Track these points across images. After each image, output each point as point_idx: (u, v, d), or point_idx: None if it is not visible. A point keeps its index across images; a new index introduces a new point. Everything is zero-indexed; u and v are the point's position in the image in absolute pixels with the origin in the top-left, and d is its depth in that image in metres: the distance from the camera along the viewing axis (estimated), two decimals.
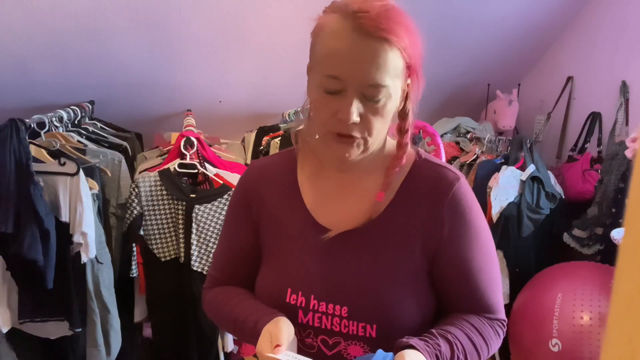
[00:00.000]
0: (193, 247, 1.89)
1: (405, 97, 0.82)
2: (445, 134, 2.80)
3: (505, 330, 0.89)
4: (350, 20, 0.72)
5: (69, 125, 2.05)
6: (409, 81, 0.81)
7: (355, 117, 0.73)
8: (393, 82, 0.75)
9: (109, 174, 1.93)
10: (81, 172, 1.67)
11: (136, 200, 1.87)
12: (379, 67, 0.72)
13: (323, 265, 0.85)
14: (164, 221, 1.91)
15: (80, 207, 1.65)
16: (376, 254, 0.84)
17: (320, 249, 0.85)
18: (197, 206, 1.89)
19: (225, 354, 2.09)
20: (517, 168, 2.33)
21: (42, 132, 1.80)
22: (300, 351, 0.85)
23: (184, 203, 1.90)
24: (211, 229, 1.92)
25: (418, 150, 0.90)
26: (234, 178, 1.97)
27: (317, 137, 0.88)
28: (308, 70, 0.82)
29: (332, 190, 0.89)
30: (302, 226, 0.88)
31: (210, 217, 1.91)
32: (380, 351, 0.71)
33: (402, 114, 0.84)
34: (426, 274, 0.85)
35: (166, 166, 1.95)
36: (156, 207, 1.89)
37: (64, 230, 1.64)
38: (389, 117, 0.79)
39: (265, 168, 0.96)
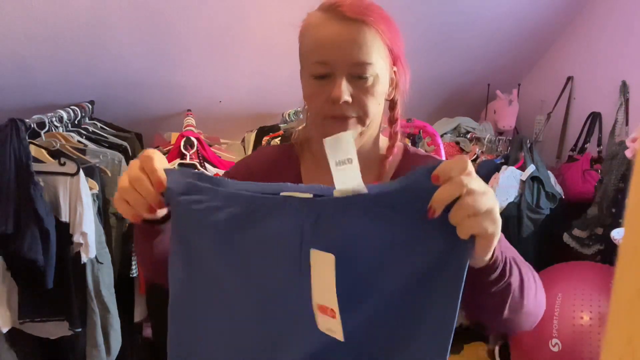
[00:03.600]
0: None
1: (395, 88, 0.87)
2: (445, 134, 2.80)
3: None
4: (329, 12, 0.78)
5: (69, 125, 2.05)
6: (395, 69, 0.85)
7: (346, 96, 0.77)
8: (377, 62, 0.78)
9: (109, 174, 1.93)
10: (81, 172, 1.67)
11: None
12: (361, 46, 0.76)
13: None
14: None
15: (80, 207, 1.65)
16: None
17: None
18: None
19: None
20: (517, 168, 2.33)
21: (42, 132, 1.80)
22: None
23: None
24: None
25: (406, 145, 0.94)
26: None
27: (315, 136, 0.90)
28: (300, 70, 0.85)
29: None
30: None
31: None
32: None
33: (392, 104, 0.89)
34: None
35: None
36: None
37: (64, 230, 1.64)
38: (380, 100, 0.82)
39: (272, 156, 0.97)
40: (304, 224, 0.62)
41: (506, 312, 0.68)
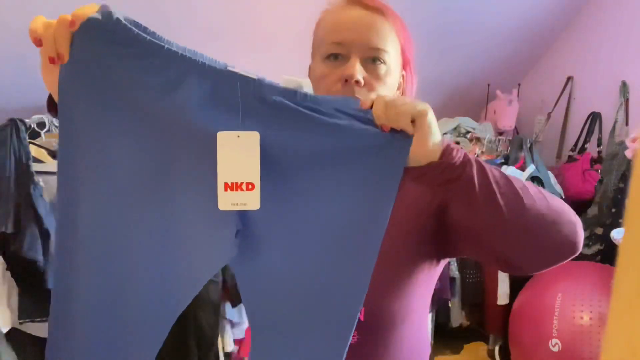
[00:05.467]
0: None
1: (401, 93, 0.86)
2: (445, 134, 2.81)
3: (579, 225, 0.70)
4: (350, 1, 0.81)
5: None
6: (403, 73, 0.84)
7: (359, 76, 0.76)
8: (391, 53, 0.79)
9: None
10: None
11: None
12: (378, 32, 0.78)
13: None
14: None
15: None
16: None
17: None
18: None
19: (225, 354, 2.09)
20: (517, 168, 2.33)
21: (42, 132, 1.80)
22: None
23: None
24: None
25: None
26: None
27: None
28: (311, 63, 0.85)
29: None
30: None
31: None
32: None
33: None
34: (421, 256, 0.83)
35: None
36: None
37: None
38: (390, 92, 0.81)
39: None
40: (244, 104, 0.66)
41: (505, 210, 0.65)
